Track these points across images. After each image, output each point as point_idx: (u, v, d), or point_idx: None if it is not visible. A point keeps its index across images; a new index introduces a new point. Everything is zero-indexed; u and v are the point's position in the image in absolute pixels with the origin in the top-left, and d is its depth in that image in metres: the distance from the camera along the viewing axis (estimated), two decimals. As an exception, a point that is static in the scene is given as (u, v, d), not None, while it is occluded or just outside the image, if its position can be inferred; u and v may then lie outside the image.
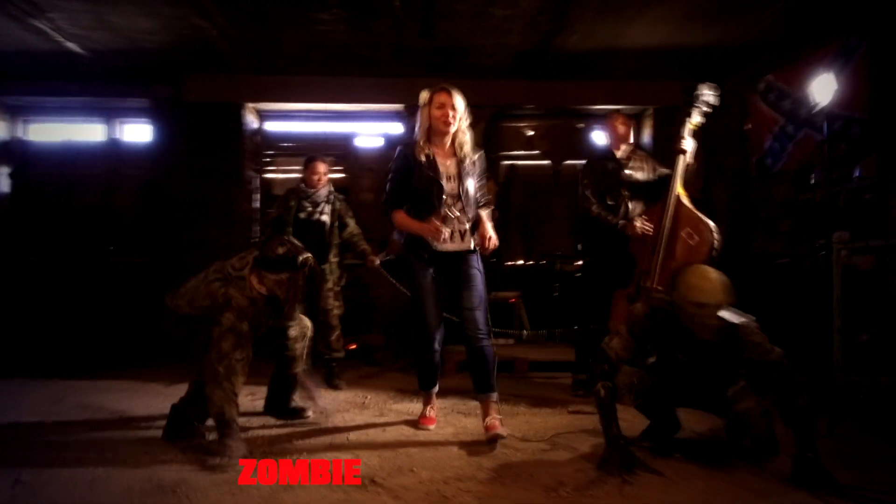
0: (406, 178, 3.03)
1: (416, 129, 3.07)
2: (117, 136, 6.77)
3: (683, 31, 5.43)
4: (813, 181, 4.86)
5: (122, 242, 6.45)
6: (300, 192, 4.56)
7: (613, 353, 2.70)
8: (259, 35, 5.52)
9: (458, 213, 3.01)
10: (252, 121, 6.75)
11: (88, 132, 6.78)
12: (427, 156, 3.00)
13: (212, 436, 2.77)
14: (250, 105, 6.63)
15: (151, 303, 5.67)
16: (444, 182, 2.99)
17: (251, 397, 3.82)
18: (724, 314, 2.52)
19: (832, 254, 3.20)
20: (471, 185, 3.06)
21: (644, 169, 3.94)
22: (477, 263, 3.10)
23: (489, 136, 6.61)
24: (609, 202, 3.88)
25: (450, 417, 3.33)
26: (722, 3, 4.87)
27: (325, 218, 4.49)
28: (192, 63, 6.17)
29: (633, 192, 3.91)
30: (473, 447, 2.78)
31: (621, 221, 3.79)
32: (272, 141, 7.03)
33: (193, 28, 5.33)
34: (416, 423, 3.19)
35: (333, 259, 4.52)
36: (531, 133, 7.33)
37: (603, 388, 2.63)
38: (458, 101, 3.03)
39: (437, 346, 3.08)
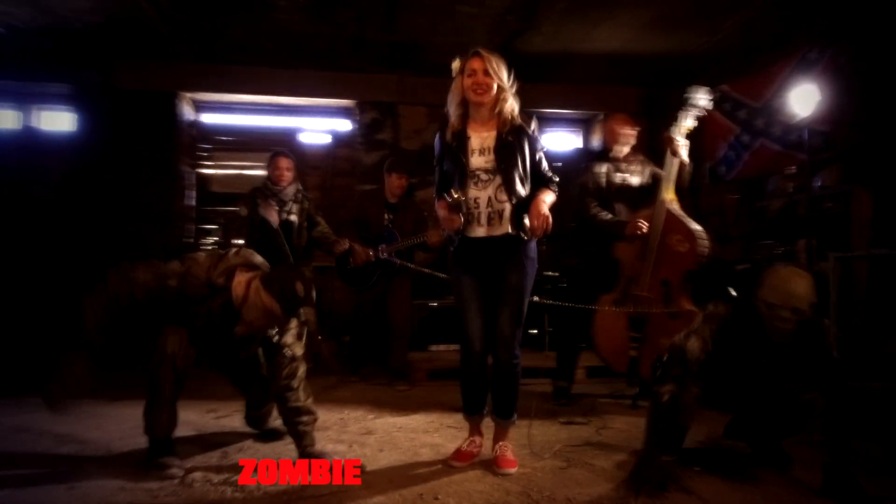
0: (443, 162, 2.72)
1: (448, 105, 2.70)
2: (33, 124, 6.11)
3: (644, 39, 5.50)
4: (771, 189, 5.03)
5: (40, 239, 5.80)
6: (266, 190, 4.23)
7: (693, 354, 2.42)
8: (206, 20, 5.13)
9: (486, 194, 2.63)
10: (187, 112, 6.28)
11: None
12: (455, 132, 2.67)
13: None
14: (187, 95, 6.17)
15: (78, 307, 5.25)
16: (472, 158, 2.64)
17: (213, 414, 3.50)
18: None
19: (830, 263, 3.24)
20: (515, 158, 2.62)
21: (642, 173, 3.89)
22: (520, 260, 2.65)
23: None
24: (602, 205, 3.82)
25: (444, 434, 3.12)
26: (685, 13, 4.96)
27: (294, 218, 4.21)
28: (126, 48, 5.67)
29: (623, 197, 3.86)
30: (490, 468, 2.60)
31: (617, 220, 3.73)
32: (209, 134, 6.58)
33: (132, 9, 4.88)
34: (412, 444, 2.93)
35: (302, 262, 4.23)
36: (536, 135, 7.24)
37: (668, 393, 2.39)
38: (495, 64, 2.60)
39: (480, 359, 2.69)
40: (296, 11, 4.92)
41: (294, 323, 2.68)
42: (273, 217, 4.12)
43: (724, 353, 2.48)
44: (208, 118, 6.57)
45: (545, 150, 2.81)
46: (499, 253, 2.65)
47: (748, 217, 5.29)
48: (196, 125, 6.48)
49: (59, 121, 6.14)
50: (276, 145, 6.65)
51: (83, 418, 3.28)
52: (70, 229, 5.77)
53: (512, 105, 2.67)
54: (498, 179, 2.62)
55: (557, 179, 2.75)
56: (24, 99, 6.04)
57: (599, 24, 5.20)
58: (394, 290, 4.42)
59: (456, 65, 2.70)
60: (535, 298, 3.30)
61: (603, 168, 3.86)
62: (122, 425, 3.13)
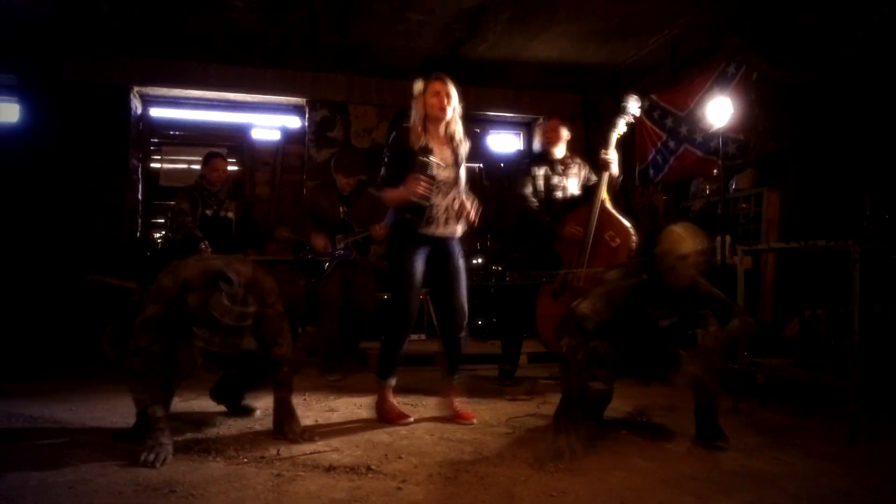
0: (402, 164, 3.07)
1: (412, 118, 3.11)
2: (-28, 114, 6.02)
3: (578, 49, 5.92)
4: (692, 190, 5.52)
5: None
6: (201, 189, 4.41)
7: (581, 312, 2.74)
8: (159, 16, 5.21)
9: (445, 202, 3.11)
10: (139, 106, 6.31)
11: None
12: (421, 145, 3.07)
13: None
14: (136, 89, 6.20)
15: (26, 304, 5.22)
16: (438, 170, 3.05)
17: (178, 398, 3.64)
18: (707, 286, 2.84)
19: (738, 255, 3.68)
20: (463, 171, 3.20)
21: (578, 175, 4.25)
22: (461, 250, 3.23)
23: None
24: (540, 204, 4.16)
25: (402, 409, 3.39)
26: (615, 28, 5.40)
27: (231, 215, 4.40)
28: (74, 40, 5.68)
29: (560, 197, 4.21)
30: (443, 434, 2.89)
31: (552, 221, 4.08)
32: (157, 128, 6.62)
33: (84, 2, 4.92)
34: (374, 418, 3.18)
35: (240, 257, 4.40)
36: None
37: (565, 346, 2.70)
38: (452, 89, 3.13)
39: (409, 333, 3.20)
40: (249, 11, 5.07)
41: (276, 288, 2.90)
42: (320, 243, 4.41)
43: (622, 310, 2.84)
44: (156, 112, 6.61)
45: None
46: (446, 247, 3.18)
47: (675, 216, 5.77)
48: (143, 119, 6.50)
49: (6, 112, 6.04)
50: (227, 141, 6.80)
51: (55, 402, 3.41)
52: (16, 223, 5.71)
53: (460, 124, 3.22)
54: (454, 192, 3.15)
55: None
56: (-35, 89, 5.94)
57: (538, 34, 5.57)
58: (357, 281, 4.62)
59: (419, 86, 3.16)
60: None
61: (541, 171, 4.21)
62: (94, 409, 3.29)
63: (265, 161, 6.86)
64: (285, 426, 2.81)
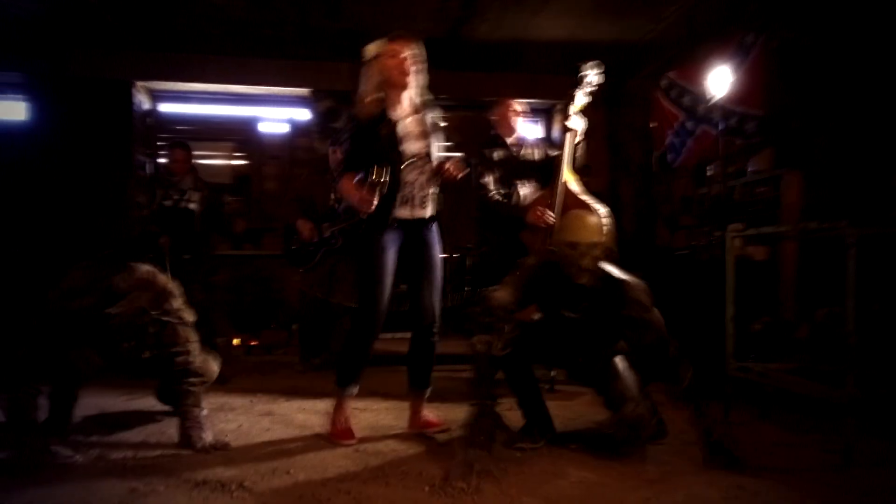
0: (362, 144, 2.68)
1: (361, 88, 2.69)
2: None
3: (589, 27, 5.48)
4: (708, 174, 4.98)
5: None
6: (163, 179, 4.28)
7: (498, 302, 2.50)
8: (148, 6, 5.12)
9: (422, 178, 2.71)
10: (143, 101, 6.29)
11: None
12: (375, 116, 2.63)
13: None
14: (140, 84, 6.17)
15: (32, 300, 5.24)
16: (408, 143, 2.67)
17: (126, 398, 3.49)
18: (607, 267, 2.53)
19: (726, 243, 3.19)
20: (438, 141, 2.76)
21: (534, 155, 3.86)
22: (437, 238, 2.80)
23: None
24: (502, 191, 3.77)
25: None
26: (625, 1, 4.92)
27: (193, 206, 4.22)
28: (77, 36, 5.68)
29: (525, 176, 3.82)
30: (363, 444, 2.60)
31: (521, 206, 3.69)
32: (167, 124, 6.58)
33: (73, -3, 4.88)
34: (305, 426, 2.91)
35: (204, 250, 4.24)
36: (443, 124, 7.21)
37: (480, 343, 2.46)
38: (415, 47, 2.67)
39: (377, 334, 2.70)
40: (233, -2, 4.91)
41: (178, 293, 2.67)
42: (306, 230, 4.24)
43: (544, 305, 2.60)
44: (166, 108, 6.57)
45: None
46: (420, 232, 2.75)
47: (693, 204, 5.25)
48: (153, 114, 6.48)
49: (14, 110, 6.13)
50: (234, 135, 6.71)
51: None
52: (26, 220, 5.77)
53: (425, 87, 2.76)
54: (430, 165, 2.72)
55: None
56: (-23, 88, 6.06)
57: (540, 11, 5.18)
58: (340, 273, 4.38)
59: (372, 49, 2.71)
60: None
61: (495, 154, 3.83)
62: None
63: (274, 155, 6.73)
64: (191, 437, 2.55)
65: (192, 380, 2.61)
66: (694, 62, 5.14)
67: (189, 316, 2.68)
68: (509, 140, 3.85)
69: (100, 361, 2.52)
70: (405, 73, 2.64)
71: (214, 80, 6.21)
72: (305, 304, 4.49)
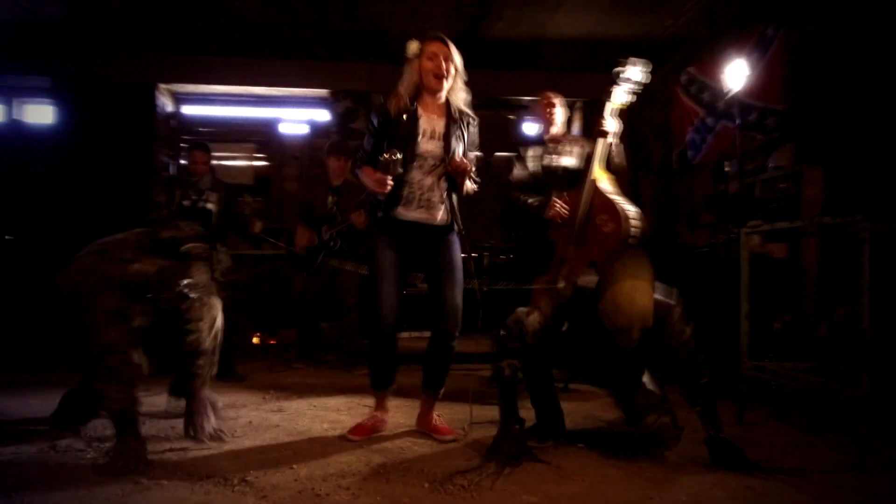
0: (383, 134, 2.66)
1: (400, 83, 2.70)
2: (19, 117, 6.29)
3: (608, 22, 5.43)
4: (727, 170, 4.89)
5: (24, 231, 5.96)
6: (182, 179, 4.33)
7: (530, 328, 2.43)
8: (168, 9, 5.21)
9: (430, 180, 2.68)
10: (166, 103, 6.39)
11: (-14, 112, 6.29)
12: (409, 112, 2.62)
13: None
14: (163, 86, 6.27)
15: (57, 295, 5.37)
16: (422, 140, 2.64)
17: (144, 392, 3.53)
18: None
19: (741, 238, 3.12)
20: (459, 149, 2.70)
21: (571, 153, 3.78)
22: (454, 239, 2.76)
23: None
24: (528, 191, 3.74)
25: (355, 412, 3.12)
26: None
27: (211, 206, 4.28)
28: (100, 40, 5.80)
29: (556, 180, 3.76)
30: (370, 441, 2.60)
31: (537, 202, 3.64)
32: (190, 125, 6.68)
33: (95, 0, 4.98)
34: (332, 422, 2.92)
35: (221, 249, 4.28)
36: (475, 134, 7.20)
37: (509, 367, 2.43)
38: (455, 52, 2.67)
39: (391, 332, 2.68)
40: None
41: (202, 269, 2.68)
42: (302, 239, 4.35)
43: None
44: (189, 110, 6.67)
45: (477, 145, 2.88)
46: (431, 236, 2.73)
47: (713, 202, 5.15)
48: (176, 117, 6.58)
49: (43, 114, 6.29)
50: (255, 136, 6.80)
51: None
52: (54, 220, 5.91)
53: (464, 94, 2.76)
54: (443, 168, 2.68)
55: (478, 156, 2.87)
56: (9, 92, 6.22)
57: (559, 8, 5.14)
58: (341, 273, 4.43)
59: (414, 47, 2.72)
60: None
61: (531, 151, 3.78)
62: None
63: (294, 155, 6.80)
64: (195, 423, 2.58)
65: (200, 361, 2.62)
66: (714, 57, 5.04)
67: (213, 296, 2.69)
68: (548, 136, 3.80)
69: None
70: (440, 77, 2.64)
71: (236, 81, 6.28)
72: (309, 305, 4.57)
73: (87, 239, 5.65)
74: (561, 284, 2.79)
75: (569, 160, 3.76)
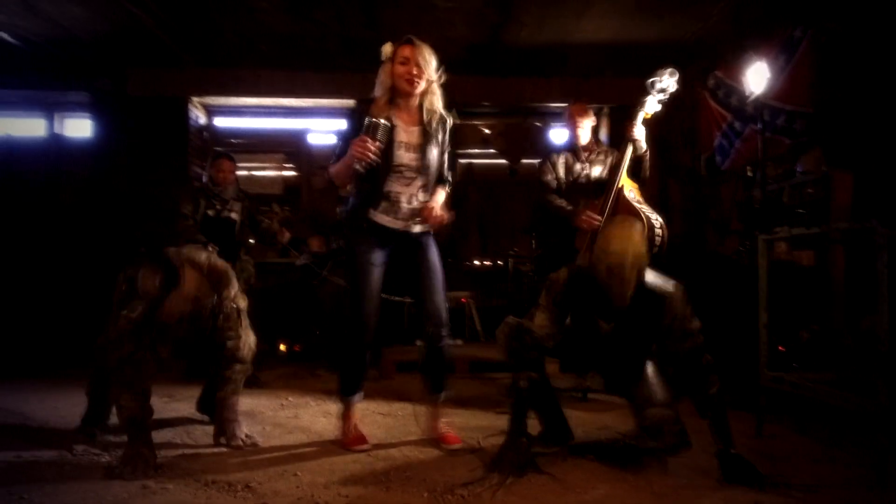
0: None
1: (375, 88, 2.69)
2: (59, 131, 6.54)
3: (633, 27, 5.36)
4: (749, 175, 4.76)
5: (65, 241, 6.18)
6: (207, 189, 4.41)
7: (540, 331, 2.37)
8: (198, 24, 5.35)
9: (409, 191, 2.68)
10: (199, 116, 6.55)
11: (29, 127, 6.55)
12: (388, 121, 2.56)
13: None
14: (196, 99, 6.44)
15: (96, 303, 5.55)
16: (399, 151, 2.62)
17: (168, 399, 3.63)
18: (650, 279, 2.36)
19: (759, 245, 3.04)
20: (434, 156, 2.70)
21: (603, 163, 3.76)
22: (435, 248, 2.78)
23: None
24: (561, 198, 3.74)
25: (369, 422, 3.13)
26: (669, -1, 4.79)
27: (235, 216, 4.36)
28: (135, 55, 5.98)
29: (583, 187, 3.75)
30: (377, 449, 2.61)
31: (570, 208, 3.64)
32: (221, 137, 6.83)
33: (128, 17, 5.14)
34: (324, 431, 2.94)
35: (245, 257, 4.36)
36: (487, 131, 7.20)
37: (525, 380, 2.38)
38: (426, 55, 2.65)
39: (367, 341, 2.67)
40: (277, 12, 5.05)
41: (234, 282, 2.76)
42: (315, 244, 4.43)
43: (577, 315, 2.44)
44: (220, 122, 6.83)
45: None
46: (413, 240, 2.73)
47: (742, 208, 5.03)
48: (208, 129, 6.75)
49: (82, 128, 6.52)
50: (285, 147, 6.92)
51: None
52: (92, 231, 6.11)
53: (438, 98, 2.73)
54: (420, 180, 2.69)
55: (449, 179, 2.86)
56: (51, 107, 6.47)
57: (583, 14, 5.10)
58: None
59: (387, 49, 2.73)
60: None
61: (561, 159, 3.78)
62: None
63: (322, 165, 6.88)
64: (226, 429, 2.66)
65: (236, 367, 2.69)
66: (741, 60, 4.94)
67: (243, 303, 2.76)
68: (577, 144, 3.79)
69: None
70: (411, 82, 2.61)
71: (265, 93, 6.41)
72: (328, 313, 4.64)
73: (123, 247, 5.81)
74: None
75: (598, 169, 3.75)
